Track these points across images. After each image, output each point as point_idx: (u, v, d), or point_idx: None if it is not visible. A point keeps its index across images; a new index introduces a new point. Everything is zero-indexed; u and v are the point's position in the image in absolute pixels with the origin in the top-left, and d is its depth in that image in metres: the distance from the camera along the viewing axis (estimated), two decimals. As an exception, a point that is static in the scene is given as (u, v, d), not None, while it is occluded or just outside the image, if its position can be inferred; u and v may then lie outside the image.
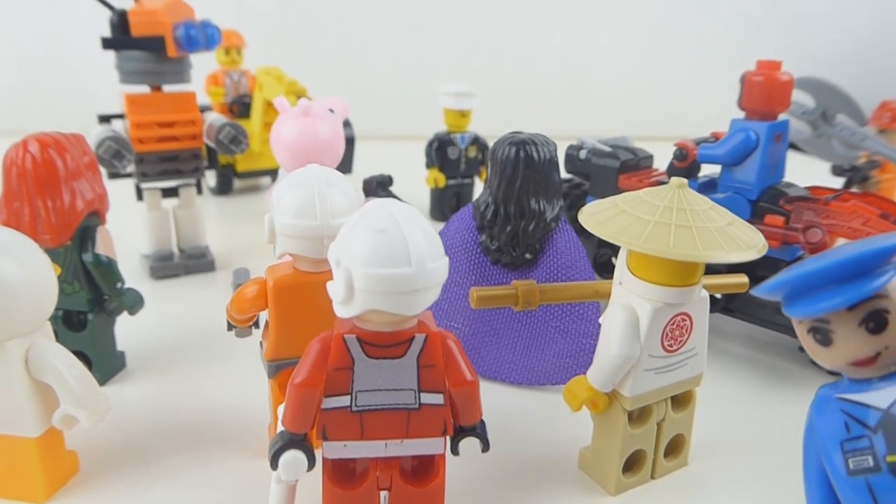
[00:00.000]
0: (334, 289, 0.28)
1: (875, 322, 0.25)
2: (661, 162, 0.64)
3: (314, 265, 0.36)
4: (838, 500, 0.28)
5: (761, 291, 0.27)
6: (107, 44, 0.60)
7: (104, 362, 0.47)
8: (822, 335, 0.26)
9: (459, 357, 0.31)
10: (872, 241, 0.25)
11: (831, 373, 0.48)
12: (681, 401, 0.39)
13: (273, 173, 0.97)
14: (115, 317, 0.47)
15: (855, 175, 0.78)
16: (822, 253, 0.27)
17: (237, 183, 1.00)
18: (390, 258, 0.27)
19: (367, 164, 0.93)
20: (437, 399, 0.31)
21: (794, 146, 0.74)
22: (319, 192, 0.34)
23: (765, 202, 0.52)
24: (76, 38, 1.13)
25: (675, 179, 0.34)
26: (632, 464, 0.39)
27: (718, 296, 0.55)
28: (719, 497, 0.38)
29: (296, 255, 0.36)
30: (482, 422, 0.33)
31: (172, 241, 0.68)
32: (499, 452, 0.40)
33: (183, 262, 0.67)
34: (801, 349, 0.53)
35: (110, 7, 0.60)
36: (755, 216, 0.52)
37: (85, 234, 0.44)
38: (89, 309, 0.45)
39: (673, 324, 0.35)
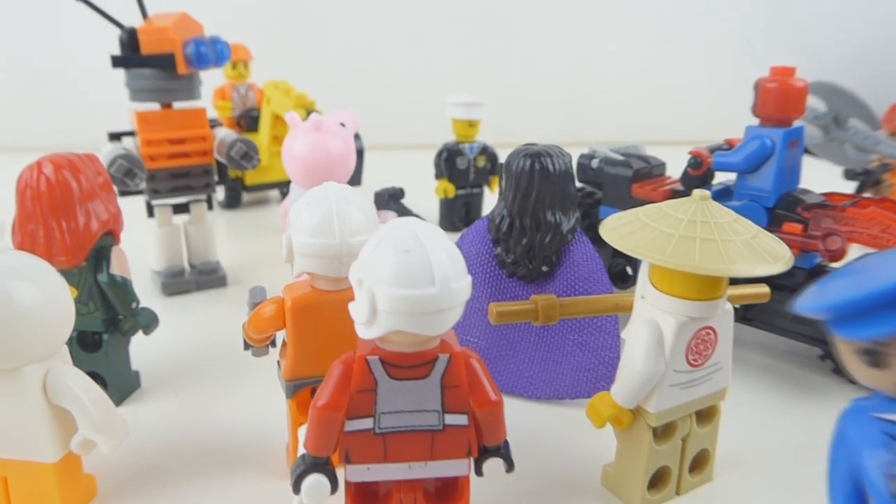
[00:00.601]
0: (357, 310, 0.28)
1: None
2: (673, 168, 0.63)
3: (333, 284, 0.35)
4: None
5: (806, 310, 0.26)
6: (117, 62, 0.60)
7: (119, 382, 0.47)
8: (877, 358, 0.25)
9: (483, 377, 0.30)
10: None
11: (852, 381, 0.47)
12: (705, 415, 0.38)
13: (282, 186, 0.97)
14: (130, 337, 0.47)
15: (868, 179, 0.78)
16: (859, 264, 0.26)
17: (246, 196, 1.00)
18: (414, 278, 0.27)
19: (376, 175, 0.93)
20: (462, 420, 0.30)
21: (806, 151, 0.74)
22: (338, 210, 0.34)
23: (782, 209, 0.52)
24: (86, 56, 1.13)
25: (697, 192, 0.34)
26: (657, 480, 0.38)
27: (737, 305, 0.54)
28: (746, 512, 0.38)
29: (314, 273, 0.35)
30: (506, 441, 0.32)
31: (184, 257, 0.68)
32: (520, 469, 0.39)
33: (194, 277, 0.67)
34: (822, 358, 0.53)
35: (120, 25, 0.60)
36: (772, 224, 0.52)
37: (100, 254, 0.44)
38: (104, 329, 0.45)
39: (697, 338, 0.35)
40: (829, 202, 0.52)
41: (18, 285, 0.32)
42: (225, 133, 0.64)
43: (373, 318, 0.27)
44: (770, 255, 0.32)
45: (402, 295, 0.27)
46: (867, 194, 0.69)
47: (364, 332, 0.28)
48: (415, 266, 0.27)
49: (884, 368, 0.25)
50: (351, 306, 0.28)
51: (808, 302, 0.25)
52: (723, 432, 0.40)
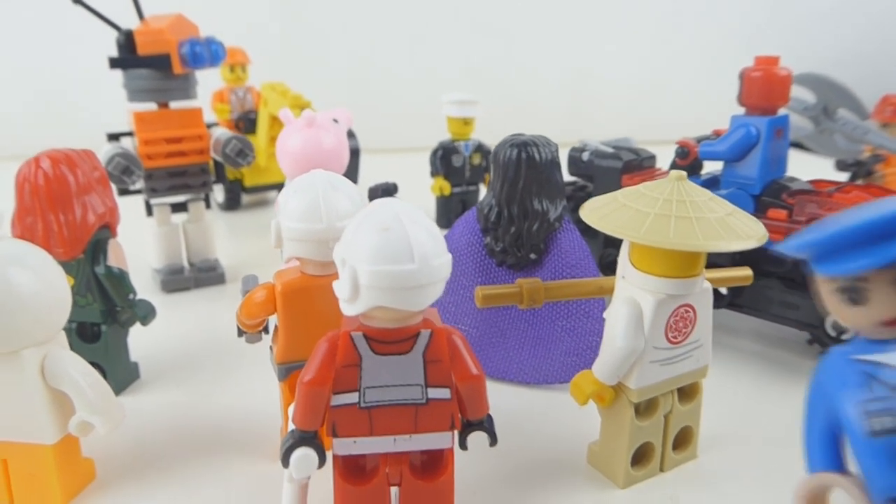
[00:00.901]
0: (340, 287, 0.29)
1: None
2: (665, 162, 0.64)
3: (321, 268, 0.36)
4: (839, 458, 0.28)
5: (789, 249, 0.26)
6: (114, 63, 0.61)
7: (118, 373, 0.48)
8: (857, 294, 0.25)
9: (465, 352, 0.31)
10: None
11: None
12: (687, 393, 0.39)
13: (280, 187, 0.98)
14: (128, 328, 0.48)
15: (859, 170, 0.78)
16: (849, 210, 0.27)
17: (245, 198, 1.02)
18: (394, 255, 0.28)
19: (372, 176, 0.94)
20: (444, 394, 0.31)
21: (796, 144, 0.75)
22: (324, 195, 0.35)
23: (767, 196, 0.53)
24: (82, 60, 1.15)
25: (674, 172, 0.35)
26: (640, 457, 0.39)
27: (725, 291, 0.55)
28: (729, 489, 0.38)
29: (302, 258, 0.36)
30: (489, 416, 0.33)
31: (183, 255, 0.69)
32: (508, 449, 0.41)
33: (193, 275, 0.68)
34: (810, 342, 0.53)
35: (117, 27, 0.61)
36: (758, 211, 0.52)
37: (97, 246, 0.45)
38: (103, 321, 0.46)
39: (676, 315, 0.35)
40: (815, 188, 0.53)
41: (17, 271, 0.33)
42: (221, 132, 0.65)
43: (355, 295, 0.28)
44: (744, 232, 0.33)
45: (382, 271, 0.28)
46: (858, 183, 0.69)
47: (348, 308, 0.29)
48: (395, 243, 0.28)
49: (864, 305, 0.25)
50: (335, 284, 0.29)
51: (791, 241, 0.26)
52: (709, 413, 0.41)
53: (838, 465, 0.28)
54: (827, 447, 0.28)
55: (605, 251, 0.63)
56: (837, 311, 0.27)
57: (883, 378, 0.25)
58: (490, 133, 0.88)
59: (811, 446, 0.29)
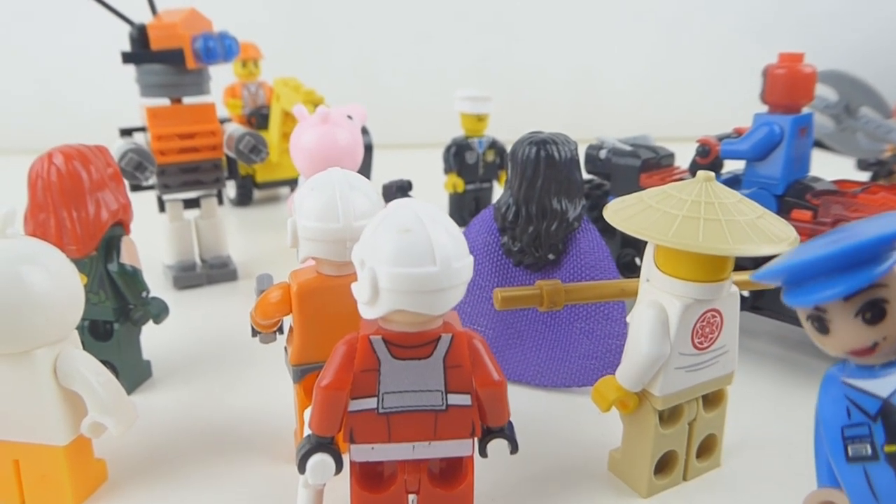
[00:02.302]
0: (359, 289, 0.28)
1: (872, 313, 0.25)
2: (682, 161, 0.63)
3: (337, 268, 0.36)
4: None
5: (760, 277, 0.26)
6: (127, 58, 0.61)
7: (130, 371, 0.47)
8: (820, 324, 0.26)
9: (486, 357, 0.31)
10: (874, 226, 0.24)
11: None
12: (712, 400, 0.38)
13: (292, 183, 0.97)
14: (141, 326, 0.48)
15: (881, 169, 0.77)
16: (826, 235, 0.27)
17: (257, 194, 1.01)
18: (415, 257, 0.27)
19: (385, 173, 0.93)
20: (465, 400, 0.30)
21: (817, 143, 0.73)
22: (342, 194, 0.34)
23: (791, 197, 0.51)
24: (95, 55, 1.14)
25: (701, 173, 0.34)
26: (663, 465, 0.38)
27: (746, 294, 0.54)
28: (753, 498, 0.37)
29: (319, 258, 0.36)
30: (510, 423, 0.32)
31: (195, 251, 0.68)
32: (527, 455, 0.40)
33: (205, 271, 0.68)
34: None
35: (130, 22, 0.61)
36: (781, 211, 0.51)
37: (110, 244, 0.44)
38: (115, 319, 0.46)
39: (703, 320, 0.34)
40: (840, 189, 0.51)
41: (30, 270, 0.32)
42: (234, 128, 0.65)
43: (375, 298, 0.28)
44: (775, 235, 0.32)
45: (403, 273, 0.27)
46: (881, 183, 0.68)
47: (367, 311, 0.29)
48: (416, 245, 0.27)
49: (827, 335, 0.26)
50: (353, 286, 0.29)
51: (762, 273, 0.26)
52: (731, 419, 0.40)
53: None
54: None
55: (623, 251, 0.62)
56: (813, 339, 0.27)
57: (861, 405, 0.26)
58: (500, 130, 0.88)
59: (819, 460, 0.29)
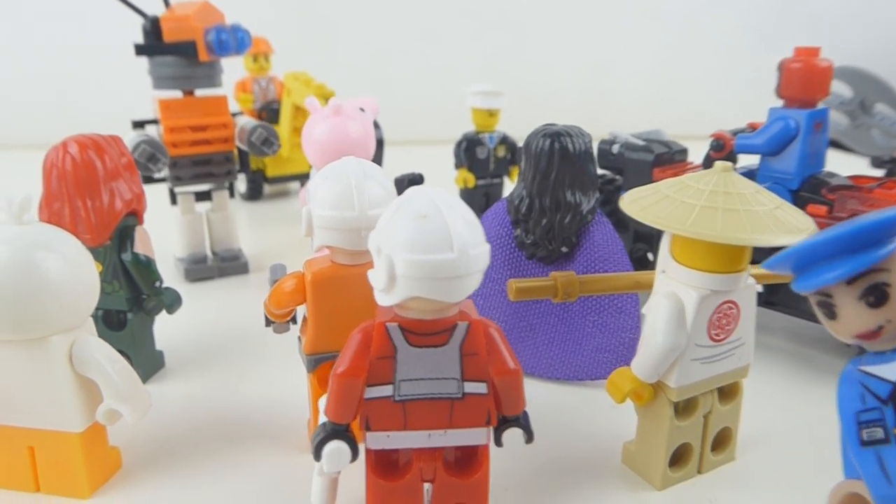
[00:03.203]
0: (376, 276, 0.28)
1: (875, 296, 0.25)
2: (695, 156, 0.63)
3: (352, 257, 0.36)
4: None
5: (770, 265, 0.27)
6: (140, 50, 0.61)
7: (144, 361, 0.47)
8: (827, 309, 0.26)
9: (503, 346, 0.30)
10: (879, 212, 0.25)
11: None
12: (727, 393, 0.38)
13: (302, 178, 0.97)
14: (154, 316, 0.48)
15: (895, 167, 0.76)
16: (837, 224, 0.27)
17: (267, 188, 1.01)
18: (432, 244, 0.27)
19: (396, 168, 0.93)
20: (481, 388, 0.30)
21: (830, 142, 0.73)
22: (357, 183, 0.34)
23: (806, 192, 0.51)
24: (108, 51, 1.15)
25: (719, 163, 0.33)
26: (678, 458, 0.38)
27: (760, 289, 0.54)
28: (768, 492, 0.37)
29: (333, 247, 0.36)
30: (525, 412, 0.32)
31: (206, 244, 0.69)
32: (541, 446, 0.39)
33: (217, 264, 0.68)
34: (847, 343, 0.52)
35: (143, 14, 0.61)
36: (797, 206, 0.51)
37: (124, 233, 0.44)
38: (129, 308, 0.46)
39: (719, 312, 0.34)
40: (855, 184, 0.51)
41: (45, 256, 0.32)
42: (246, 120, 0.65)
43: (391, 285, 0.28)
44: (794, 226, 0.32)
45: (420, 260, 0.27)
46: None
47: (383, 298, 0.28)
48: (433, 232, 0.27)
49: (834, 320, 0.26)
50: (370, 273, 0.29)
51: (772, 261, 0.27)
52: (746, 414, 0.39)
53: None
54: None
55: (636, 245, 0.62)
56: (825, 326, 0.28)
57: (875, 390, 0.26)
58: (511, 126, 0.87)
59: (845, 454, 0.28)
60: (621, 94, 1.54)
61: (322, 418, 0.31)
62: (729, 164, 0.33)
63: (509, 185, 0.87)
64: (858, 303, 0.25)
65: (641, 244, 0.62)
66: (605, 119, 1.48)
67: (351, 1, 1.44)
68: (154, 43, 0.61)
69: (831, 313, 0.26)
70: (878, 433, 0.26)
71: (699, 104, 1.48)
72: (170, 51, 0.61)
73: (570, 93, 1.53)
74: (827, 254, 0.25)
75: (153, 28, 0.60)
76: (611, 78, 1.53)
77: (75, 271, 0.33)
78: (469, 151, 0.83)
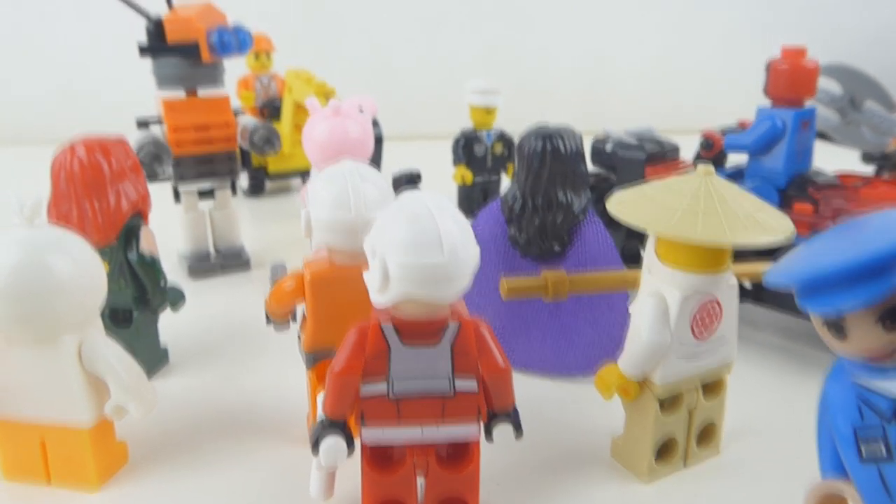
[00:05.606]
0: (370, 277, 0.29)
1: (892, 319, 0.24)
2: (688, 153, 0.64)
3: (350, 257, 0.37)
4: None
5: (773, 282, 0.26)
6: (143, 51, 0.62)
7: (148, 357, 0.49)
8: (837, 329, 0.26)
9: (492, 344, 0.32)
10: (888, 229, 0.24)
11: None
12: (712, 388, 0.39)
13: (304, 174, 0.98)
14: (159, 313, 0.49)
15: (886, 162, 0.77)
16: (837, 233, 0.27)
17: (269, 184, 1.02)
18: (424, 247, 0.28)
19: (394, 163, 0.94)
20: (471, 385, 0.31)
21: (822, 135, 0.74)
22: (353, 185, 0.36)
23: (793, 190, 0.52)
24: (111, 46, 1.16)
25: (701, 167, 0.35)
26: (664, 451, 0.39)
27: (748, 285, 0.55)
28: (752, 484, 0.39)
29: (332, 247, 0.37)
30: (515, 409, 0.33)
31: (209, 241, 0.70)
32: (532, 440, 0.41)
33: (219, 261, 0.69)
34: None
35: (146, 16, 0.62)
36: (783, 204, 0.52)
37: (130, 233, 0.46)
38: (134, 306, 0.47)
39: (702, 310, 0.35)
40: (842, 182, 0.52)
41: (56, 258, 0.34)
42: (248, 120, 0.66)
43: (385, 286, 0.29)
44: (772, 227, 0.33)
45: (412, 262, 0.28)
46: (885, 177, 0.68)
47: (378, 298, 0.30)
48: (424, 235, 0.28)
49: (845, 339, 0.26)
50: (365, 274, 0.30)
51: (775, 276, 0.26)
52: (732, 408, 0.41)
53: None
54: (836, 454, 0.28)
55: (628, 243, 0.63)
56: (827, 341, 0.27)
57: (875, 405, 0.26)
58: (508, 120, 0.88)
59: (822, 451, 0.29)
60: (620, 85, 1.54)
61: (320, 414, 0.32)
62: (711, 167, 0.35)
63: (507, 182, 0.88)
64: (875, 326, 0.25)
65: (634, 241, 0.63)
66: (604, 111, 1.49)
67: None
68: (157, 44, 0.62)
69: (841, 334, 0.26)
70: (879, 450, 0.26)
71: (699, 97, 1.49)
72: (173, 52, 0.62)
73: (569, 85, 1.54)
74: (843, 279, 0.24)
75: (157, 29, 0.62)
76: (610, 70, 1.54)
77: (84, 272, 0.34)
78: (467, 148, 0.84)
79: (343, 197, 0.35)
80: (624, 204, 0.35)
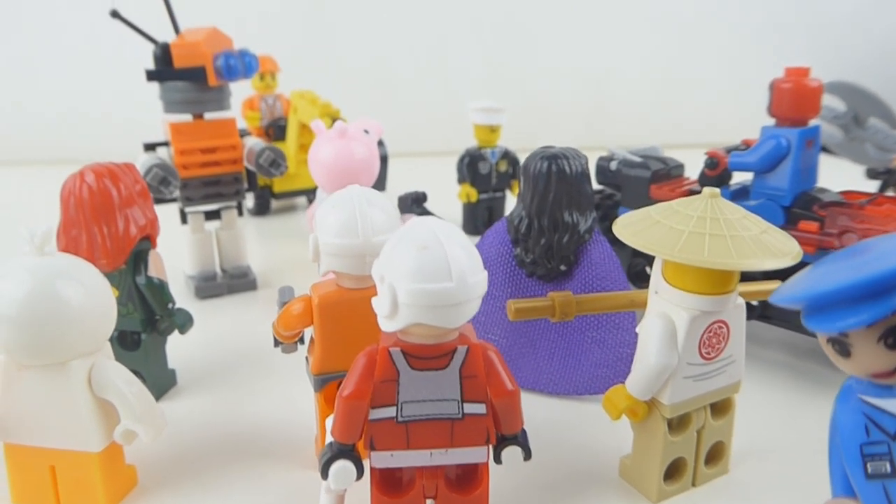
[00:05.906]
0: (379, 304, 0.30)
1: (893, 338, 0.25)
2: (692, 170, 0.64)
3: (357, 282, 0.37)
4: None
5: (779, 301, 0.27)
6: (151, 76, 0.63)
7: (157, 380, 0.49)
8: (841, 347, 0.26)
9: (500, 368, 0.32)
10: (893, 253, 0.25)
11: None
12: (720, 408, 0.39)
13: (309, 193, 0.99)
14: (167, 336, 0.49)
15: (890, 178, 0.78)
16: (845, 255, 0.27)
17: (274, 203, 1.03)
18: (432, 274, 0.28)
19: (399, 181, 0.95)
20: (480, 409, 0.32)
21: (826, 150, 0.74)
22: (361, 211, 0.36)
23: (798, 208, 0.52)
24: (119, 69, 1.17)
25: (707, 189, 0.35)
26: (673, 472, 0.39)
27: (755, 303, 0.55)
28: (761, 503, 0.38)
29: (339, 272, 0.37)
30: (524, 431, 0.33)
31: (216, 261, 0.70)
32: (540, 461, 0.41)
33: (226, 281, 0.70)
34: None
35: (154, 41, 0.63)
36: (789, 222, 0.52)
37: (138, 257, 0.46)
38: (143, 329, 0.47)
39: (710, 332, 0.36)
40: (846, 200, 0.52)
41: (66, 285, 0.34)
42: (254, 142, 0.67)
43: (394, 312, 0.29)
44: (778, 249, 0.33)
45: (421, 289, 0.28)
46: (889, 193, 0.69)
47: (387, 325, 0.30)
48: (433, 262, 0.29)
49: (848, 358, 0.26)
50: (374, 301, 0.30)
51: (782, 294, 0.27)
52: (740, 427, 0.41)
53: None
54: (847, 476, 0.28)
55: (634, 261, 0.64)
56: (832, 359, 0.28)
57: (881, 423, 0.26)
58: (512, 137, 0.89)
59: (834, 473, 0.29)
60: (624, 102, 1.55)
61: (329, 438, 0.32)
62: (717, 190, 0.35)
63: (511, 199, 0.88)
64: (877, 345, 0.25)
65: (640, 259, 0.63)
66: (608, 128, 1.50)
67: (353, 15, 1.46)
68: (164, 69, 0.63)
69: (845, 352, 0.26)
70: (885, 468, 0.26)
71: (703, 113, 1.50)
72: (180, 76, 0.63)
73: (573, 102, 1.55)
74: (847, 298, 0.24)
75: (164, 54, 0.62)
76: (613, 87, 1.55)
77: (94, 300, 0.35)
78: (471, 167, 0.84)
79: (351, 223, 0.36)
80: (630, 227, 0.36)
